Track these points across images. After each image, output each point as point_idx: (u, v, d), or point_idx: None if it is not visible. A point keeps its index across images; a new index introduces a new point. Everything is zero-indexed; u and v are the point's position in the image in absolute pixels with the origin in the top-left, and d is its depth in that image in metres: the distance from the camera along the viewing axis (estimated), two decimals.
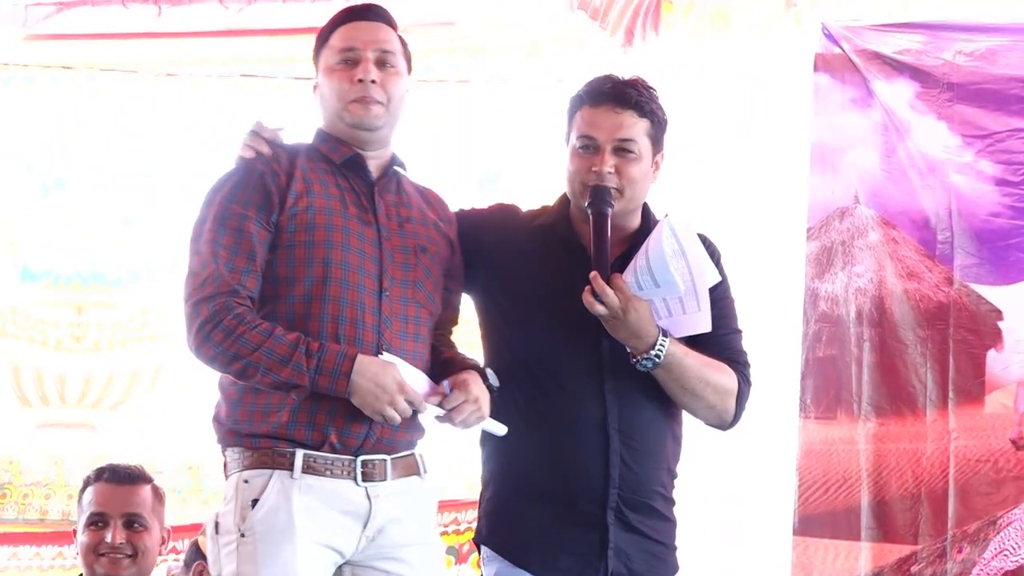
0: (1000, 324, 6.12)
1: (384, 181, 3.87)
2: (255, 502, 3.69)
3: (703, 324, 3.91)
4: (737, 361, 4.01)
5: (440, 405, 3.73)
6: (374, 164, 3.87)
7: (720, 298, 3.98)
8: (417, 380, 3.73)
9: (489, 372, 3.84)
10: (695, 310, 3.88)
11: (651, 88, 4.00)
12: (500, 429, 3.84)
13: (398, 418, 3.67)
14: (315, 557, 3.68)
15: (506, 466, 4.01)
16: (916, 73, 6.21)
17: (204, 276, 3.71)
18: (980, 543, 5.98)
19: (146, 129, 6.89)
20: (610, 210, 3.88)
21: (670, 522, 4.03)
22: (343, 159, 3.84)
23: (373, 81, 3.79)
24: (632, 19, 6.23)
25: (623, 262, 3.87)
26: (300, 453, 3.68)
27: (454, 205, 4.07)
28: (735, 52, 6.18)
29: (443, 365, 3.88)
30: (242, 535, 3.69)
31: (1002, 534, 5.97)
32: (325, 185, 3.80)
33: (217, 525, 3.76)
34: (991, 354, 6.11)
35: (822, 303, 6.25)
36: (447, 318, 3.99)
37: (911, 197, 6.17)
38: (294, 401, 3.68)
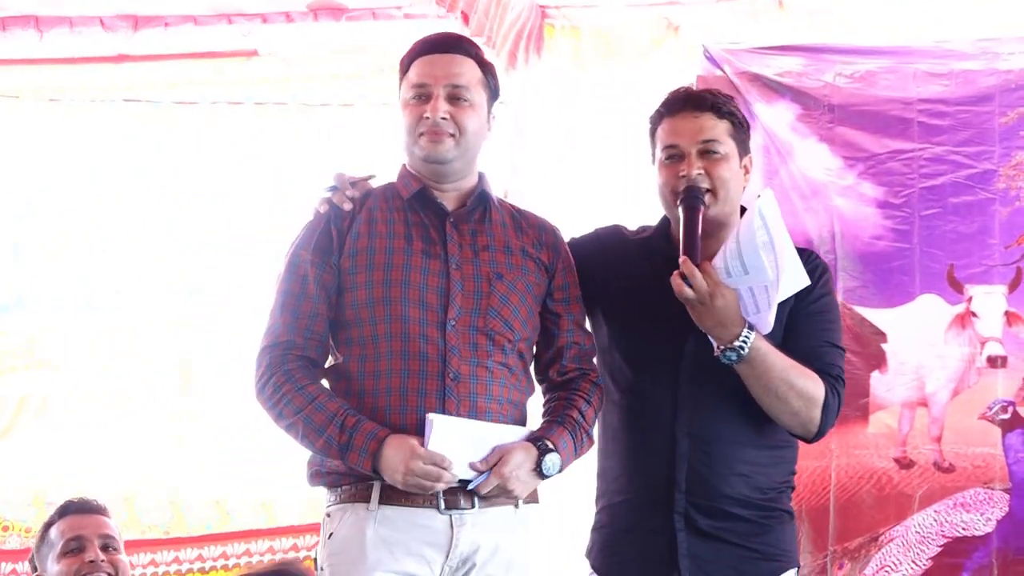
0: (884, 346, 6.17)
1: (462, 211, 3.84)
2: (331, 535, 3.70)
3: (768, 322, 3.80)
4: (829, 374, 3.94)
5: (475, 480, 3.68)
6: (451, 196, 3.86)
7: (819, 311, 3.95)
8: (483, 435, 3.68)
9: (550, 457, 3.73)
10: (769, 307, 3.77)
11: (727, 95, 4.04)
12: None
13: (434, 487, 3.62)
14: None
15: (605, 480, 4.03)
16: (797, 95, 6.26)
17: (268, 324, 3.80)
18: (861, 559, 6.03)
19: (31, 156, 6.83)
20: (702, 207, 3.84)
21: (763, 527, 3.93)
22: (411, 194, 3.83)
23: (443, 118, 3.76)
24: (515, 42, 6.23)
25: None
26: (378, 484, 3.66)
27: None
28: (617, 75, 6.20)
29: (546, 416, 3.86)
30: (321, 569, 3.73)
31: (883, 550, 6.02)
32: (391, 223, 3.80)
33: (316, 563, 3.79)
34: (875, 376, 6.15)
35: None
36: (561, 345, 3.92)
37: (794, 219, 6.18)
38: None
